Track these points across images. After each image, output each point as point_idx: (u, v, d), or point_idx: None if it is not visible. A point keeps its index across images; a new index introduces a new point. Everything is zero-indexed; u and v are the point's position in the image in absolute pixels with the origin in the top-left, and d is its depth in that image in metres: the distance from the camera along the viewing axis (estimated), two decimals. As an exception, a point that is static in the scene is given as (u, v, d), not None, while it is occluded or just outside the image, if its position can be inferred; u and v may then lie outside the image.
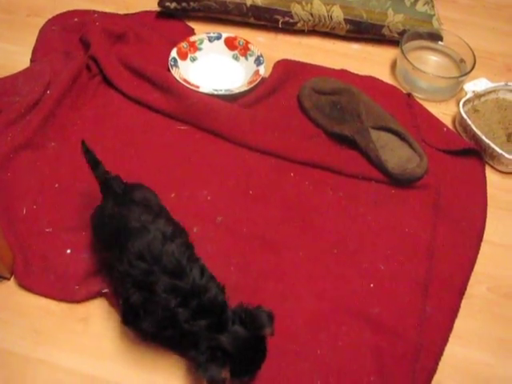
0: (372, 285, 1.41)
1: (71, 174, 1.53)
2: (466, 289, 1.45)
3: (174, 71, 1.70)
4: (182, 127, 1.63)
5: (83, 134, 1.57)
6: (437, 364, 1.35)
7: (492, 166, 1.67)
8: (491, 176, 1.65)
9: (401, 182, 1.55)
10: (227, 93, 1.65)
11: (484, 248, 1.52)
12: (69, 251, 1.41)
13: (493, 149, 1.61)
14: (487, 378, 1.35)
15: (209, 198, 1.52)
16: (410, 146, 1.59)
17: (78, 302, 1.36)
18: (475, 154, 1.65)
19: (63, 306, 1.36)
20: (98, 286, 1.37)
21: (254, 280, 1.38)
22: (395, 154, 1.57)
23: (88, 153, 1.32)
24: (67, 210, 1.48)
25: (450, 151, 1.65)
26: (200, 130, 1.63)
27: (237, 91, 1.66)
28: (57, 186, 1.51)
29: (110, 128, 1.63)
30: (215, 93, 1.64)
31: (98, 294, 1.37)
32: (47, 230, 1.44)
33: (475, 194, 1.60)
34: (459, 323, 1.40)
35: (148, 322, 1.17)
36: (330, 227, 1.49)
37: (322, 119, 1.64)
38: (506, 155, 1.59)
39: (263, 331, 1.14)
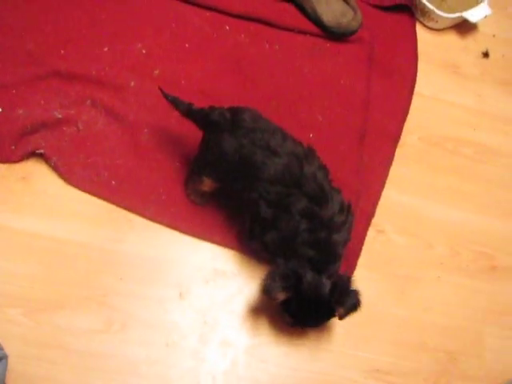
0: (311, 135, 1.44)
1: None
2: (399, 138, 1.50)
3: None
4: (110, -21, 1.54)
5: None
6: (374, 208, 1.42)
7: (423, 24, 1.69)
8: (423, 33, 1.69)
9: (336, 35, 1.55)
10: None
11: (415, 100, 1.57)
12: (0, 110, 1.34)
13: (424, 4, 1.62)
14: (418, 218, 1.44)
15: (144, 51, 1.47)
16: (345, 0, 1.58)
17: (15, 161, 1.32)
18: (406, 10, 1.67)
19: (0, 166, 1.31)
20: (35, 145, 1.32)
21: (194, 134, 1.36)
22: (330, 8, 1.56)
23: (169, 98, 1.23)
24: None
25: (383, 7, 1.66)
26: (129, -18, 1.54)
27: None
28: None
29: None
30: None
31: (34, 154, 1.32)
32: (-29, 90, 1.35)
33: (406, 48, 1.63)
34: (393, 170, 1.47)
35: (272, 236, 1.16)
36: (268, 79, 1.49)
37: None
38: (437, 11, 1.62)
39: (339, 309, 1.14)
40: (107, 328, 1.22)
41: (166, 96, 1.23)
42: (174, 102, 1.23)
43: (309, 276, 1.12)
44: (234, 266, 1.31)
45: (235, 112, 1.18)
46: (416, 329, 1.34)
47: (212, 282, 1.29)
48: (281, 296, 1.12)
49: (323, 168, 1.19)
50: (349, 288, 1.16)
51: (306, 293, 1.12)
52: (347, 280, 1.17)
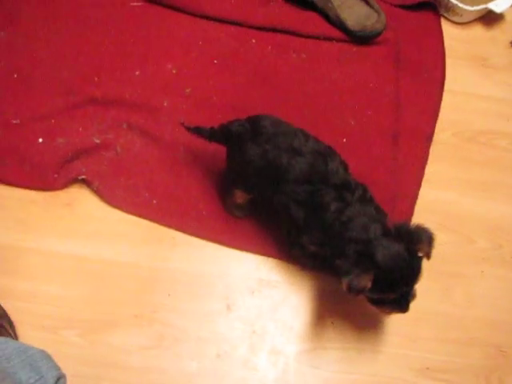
0: (345, 139, 1.45)
1: (28, 61, 1.48)
2: (433, 136, 1.51)
3: None
4: (136, 3, 1.58)
5: (33, 19, 1.52)
6: (413, 207, 1.43)
7: (448, 19, 1.69)
8: (448, 28, 1.68)
9: (362, 38, 1.57)
10: (178, -36, 1.59)
11: (446, 97, 1.57)
12: (41, 140, 1.39)
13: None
14: (457, 214, 1.44)
15: (174, 71, 1.50)
16: (367, 3, 1.59)
17: (59, 189, 1.37)
18: (430, 6, 1.67)
19: (45, 194, 1.37)
20: (76, 171, 1.37)
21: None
22: (353, 12, 1.57)
23: (191, 130, 1.27)
24: (31, 99, 1.44)
25: (406, 6, 1.66)
26: (154, 5, 1.58)
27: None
28: (15, 76, 1.46)
29: (61, 10, 1.56)
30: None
31: (76, 180, 1.37)
32: (14, 121, 1.41)
33: (433, 45, 1.63)
34: (429, 168, 1.47)
35: (309, 237, 1.18)
36: (297, 88, 1.51)
37: (279, -18, 1.62)
38: (460, 5, 1.61)
39: (420, 247, 1.11)
40: (159, 343, 1.26)
41: (188, 129, 1.27)
42: (197, 132, 1.27)
43: (383, 242, 1.09)
44: (277, 275, 1.34)
45: (254, 120, 1.20)
46: (463, 325, 1.34)
47: (257, 292, 1.32)
48: (367, 282, 1.07)
49: (344, 163, 1.21)
50: (412, 228, 1.12)
51: (388, 259, 1.07)
52: (405, 223, 1.14)
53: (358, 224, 1.12)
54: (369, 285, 1.07)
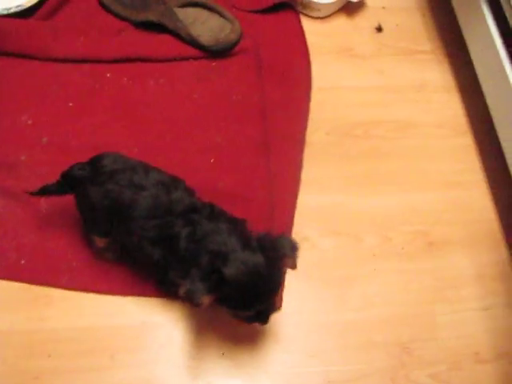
0: (212, 160, 1.40)
1: None
2: (304, 139, 1.46)
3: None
4: (-17, 57, 1.52)
5: None
6: (292, 217, 1.37)
7: (308, 15, 1.65)
8: (310, 25, 1.65)
9: (218, 52, 1.52)
10: (19, 9, 1.52)
11: (316, 95, 1.53)
12: None
13: (301, -4, 1.59)
14: (340, 215, 1.40)
15: (29, 121, 1.44)
16: (220, 14, 1.55)
17: None
18: (287, 6, 1.63)
19: None
20: None
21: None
22: (207, 27, 1.53)
23: (38, 194, 1.22)
24: None
25: (263, 10, 1.62)
26: (2, 57, 1.51)
27: (29, 5, 1.53)
28: None
29: None
30: (5, 12, 1.52)
31: None
32: None
33: (295, 46, 1.60)
34: (305, 173, 1.42)
35: (174, 269, 1.11)
36: (159, 115, 1.46)
37: (125, 11, 1.56)
38: (315, 0, 1.58)
39: (284, 260, 1.06)
40: (44, 410, 1.19)
41: (34, 194, 1.23)
42: (43, 193, 1.22)
43: (239, 256, 1.02)
44: (161, 315, 1.27)
45: (94, 161, 1.15)
46: (363, 329, 1.29)
47: (142, 336, 1.26)
48: (207, 300, 1.01)
49: (189, 189, 1.16)
50: (274, 238, 1.07)
51: (240, 275, 1.01)
52: (266, 235, 1.08)
53: (213, 240, 1.06)
54: (207, 303, 1.01)
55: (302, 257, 1.28)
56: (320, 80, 1.55)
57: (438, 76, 1.60)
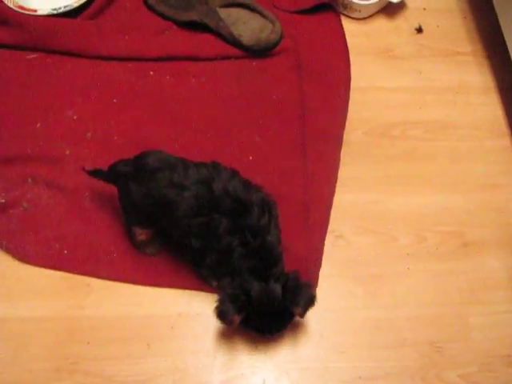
0: (251, 157, 1.43)
1: None
2: (342, 138, 1.48)
3: (6, 0, 1.62)
4: (31, 56, 1.57)
5: None
6: (328, 215, 1.40)
7: (348, 16, 1.67)
8: (349, 25, 1.66)
9: (259, 52, 1.55)
10: (67, 9, 1.59)
11: (354, 95, 1.55)
12: None
13: (342, -3, 1.61)
14: (375, 214, 1.41)
15: (75, 117, 1.49)
16: (261, 14, 1.58)
17: None
18: (328, 7, 1.65)
19: None
20: None
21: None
22: (248, 27, 1.56)
23: (91, 173, 1.28)
24: None
25: (303, 10, 1.64)
26: (50, 54, 1.57)
27: (76, 5, 1.60)
28: None
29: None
30: (55, 12, 1.58)
31: None
32: None
33: (335, 46, 1.61)
34: (342, 171, 1.44)
35: (211, 258, 1.17)
36: (199, 112, 1.50)
37: (169, 11, 1.61)
38: (356, 1, 1.59)
39: (295, 308, 1.14)
40: (81, 394, 1.24)
41: (88, 173, 1.28)
42: (95, 175, 1.27)
43: (256, 287, 1.11)
44: (196, 307, 1.31)
45: (137, 158, 1.19)
46: (393, 326, 1.30)
47: (177, 326, 1.29)
48: (237, 319, 1.11)
49: (232, 175, 1.17)
50: (299, 284, 1.14)
51: (259, 304, 1.11)
52: (296, 277, 1.15)
53: (252, 262, 1.14)
54: (237, 321, 1.12)
55: (336, 255, 1.32)
56: (358, 80, 1.56)
57: (476, 78, 1.60)
